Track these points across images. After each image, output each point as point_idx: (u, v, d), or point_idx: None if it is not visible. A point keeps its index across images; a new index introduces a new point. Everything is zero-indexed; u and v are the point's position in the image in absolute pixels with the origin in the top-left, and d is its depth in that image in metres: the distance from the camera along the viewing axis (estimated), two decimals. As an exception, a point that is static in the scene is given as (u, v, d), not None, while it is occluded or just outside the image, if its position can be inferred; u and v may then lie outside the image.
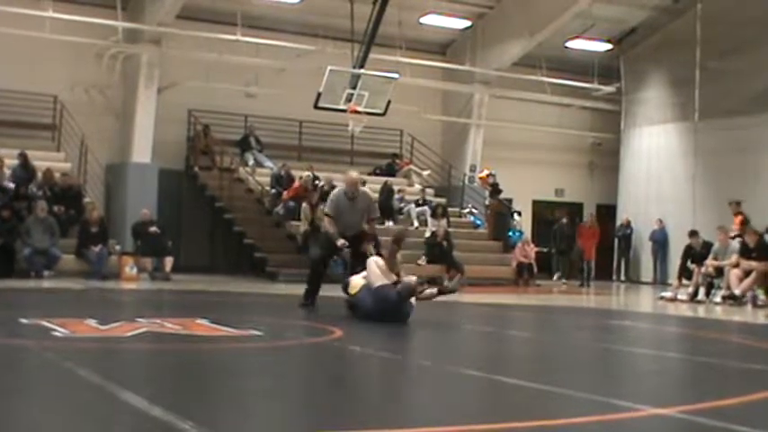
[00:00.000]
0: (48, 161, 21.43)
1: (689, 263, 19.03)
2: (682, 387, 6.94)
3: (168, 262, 20.21)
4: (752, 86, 24.28)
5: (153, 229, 20.64)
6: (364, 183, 23.51)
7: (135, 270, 19.81)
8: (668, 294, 18.91)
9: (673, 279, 21.08)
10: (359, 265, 12.29)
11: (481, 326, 10.70)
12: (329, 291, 13.96)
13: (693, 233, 19.42)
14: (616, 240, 28.16)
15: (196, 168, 24.22)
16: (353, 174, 12.98)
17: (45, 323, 8.92)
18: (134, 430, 4.52)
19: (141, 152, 22.72)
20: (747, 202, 23.45)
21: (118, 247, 20.41)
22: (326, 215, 12.60)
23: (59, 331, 8.42)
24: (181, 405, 5.01)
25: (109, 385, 5.62)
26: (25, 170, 20.57)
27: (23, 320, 9.41)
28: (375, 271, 10.94)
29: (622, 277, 27.87)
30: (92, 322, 9.26)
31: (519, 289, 22.20)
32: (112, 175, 23.15)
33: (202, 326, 9.48)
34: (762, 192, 23.90)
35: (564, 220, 25.66)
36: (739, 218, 19.78)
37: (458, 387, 6.45)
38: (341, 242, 12.28)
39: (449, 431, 4.68)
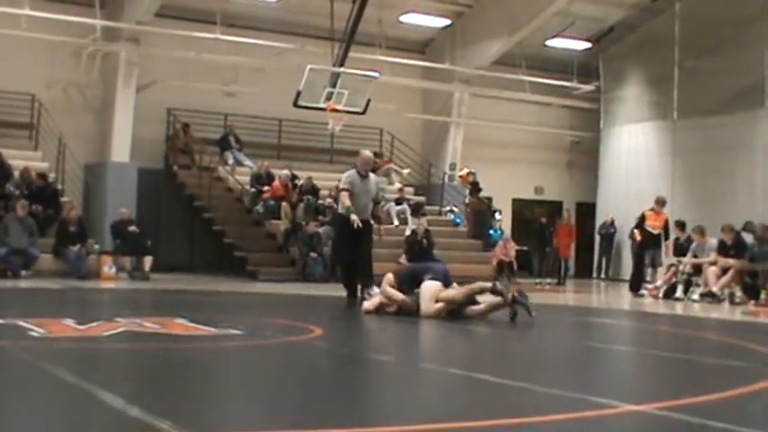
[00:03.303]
0: (25, 160, 21.33)
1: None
2: (659, 384, 6.95)
3: (147, 261, 20.13)
4: (730, 85, 24.39)
5: (132, 228, 20.56)
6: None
7: (114, 269, 19.74)
8: (651, 285, 19.15)
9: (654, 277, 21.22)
10: (359, 250, 13.17)
11: (460, 323, 10.70)
12: (311, 290, 13.99)
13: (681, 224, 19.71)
14: (597, 238, 28.23)
15: (175, 167, 24.18)
16: (368, 153, 14.07)
17: (22, 323, 8.86)
18: (111, 430, 4.50)
19: (120, 151, 22.64)
20: (724, 200, 23.67)
21: (97, 247, 20.33)
22: (344, 190, 13.34)
23: (36, 331, 8.36)
24: (159, 404, 5.00)
25: (86, 385, 5.59)
26: (0, 169, 20.46)
27: (0, 321, 9.36)
28: (425, 293, 11.22)
29: (603, 275, 27.93)
30: (69, 322, 9.21)
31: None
32: (91, 174, 23.06)
33: (181, 325, 9.45)
34: (739, 190, 24.06)
35: (543, 220, 25.74)
36: (663, 217, 19.89)
37: (436, 385, 6.46)
38: (353, 218, 12.92)
39: (425, 429, 4.68)
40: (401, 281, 11.56)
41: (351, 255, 13.75)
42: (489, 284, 11.52)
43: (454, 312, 11.10)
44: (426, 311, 11.06)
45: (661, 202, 19.94)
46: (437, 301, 11.13)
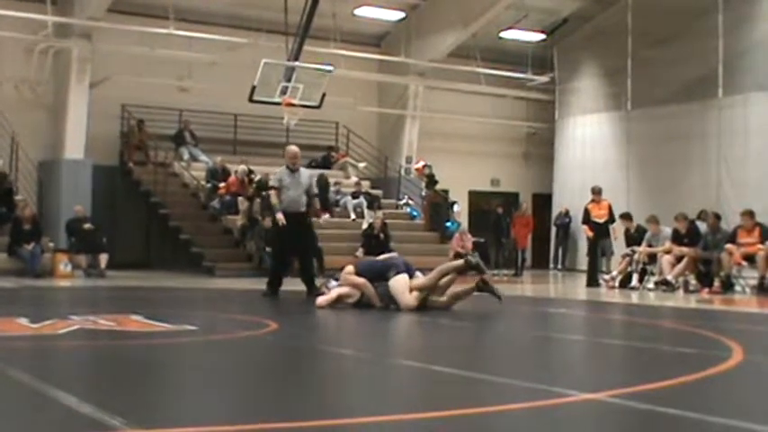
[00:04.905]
0: (-23, 159, 21.11)
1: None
2: (614, 372, 7.03)
3: (103, 259, 20.02)
4: (683, 75, 24.58)
5: (87, 225, 20.44)
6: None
7: (69, 267, 19.62)
8: (607, 277, 19.27)
9: (607, 266, 21.38)
10: (305, 242, 13.69)
11: (417, 316, 10.74)
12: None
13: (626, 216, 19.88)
14: (554, 229, 28.38)
15: (130, 164, 24.01)
16: (293, 147, 14.24)
17: (-25, 323, 8.79)
18: (62, 428, 4.46)
19: (74, 148, 22.43)
20: (679, 189, 23.90)
21: (51, 245, 20.16)
22: (271, 187, 13.92)
23: (-11, 331, 8.30)
24: (111, 402, 4.96)
25: (38, 384, 5.56)
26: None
27: (-47, 320, 9.26)
28: (399, 287, 11.32)
29: (559, 266, 28.07)
30: (23, 321, 9.15)
31: (456, 279, 22.18)
32: (45, 171, 22.82)
33: (136, 322, 9.42)
34: (692, 179, 24.26)
35: (499, 210, 25.85)
36: (605, 204, 19.98)
37: (393, 378, 6.47)
38: (279, 216, 13.49)
39: (382, 421, 4.69)
40: (362, 273, 11.60)
41: (286, 251, 14.22)
42: (461, 262, 11.70)
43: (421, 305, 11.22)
44: (407, 304, 11.16)
45: (598, 191, 20.02)
46: (411, 291, 11.22)
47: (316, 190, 14.45)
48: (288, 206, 13.60)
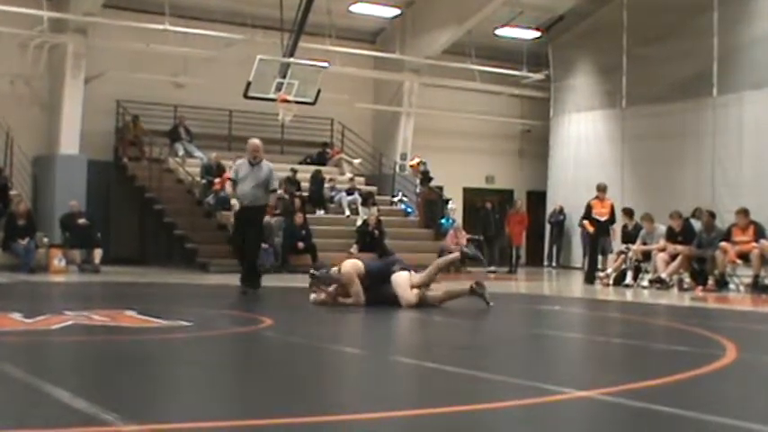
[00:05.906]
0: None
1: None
2: (607, 370, 7.02)
3: (97, 254, 20.01)
4: (678, 73, 24.58)
5: (82, 220, 20.43)
6: (295, 172, 23.83)
7: (64, 263, 19.61)
8: (602, 274, 19.26)
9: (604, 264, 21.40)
10: (250, 235, 13.49)
11: (412, 313, 10.74)
12: (262, 281, 13.94)
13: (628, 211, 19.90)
14: (548, 226, 28.39)
15: (125, 159, 23.99)
16: (255, 140, 13.99)
17: (-31, 318, 8.78)
18: (56, 423, 4.45)
19: (69, 143, 22.41)
20: (673, 187, 23.92)
21: (46, 240, 20.15)
22: (229, 179, 13.99)
23: (-17, 326, 8.28)
24: (105, 397, 4.96)
25: (32, 379, 5.54)
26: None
27: (-53, 315, 9.24)
28: (401, 283, 11.31)
29: (554, 263, 28.08)
30: (17, 316, 9.13)
31: (450, 276, 22.21)
32: (40, 167, 22.79)
33: (130, 317, 9.40)
34: (687, 177, 24.28)
35: (488, 205, 25.79)
36: (608, 203, 19.94)
37: (387, 374, 6.47)
38: (233, 202, 13.53)
39: (375, 418, 4.69)
40: (372, 276, 11.48)
41: (241, 241, 14.05)
42: (457, 254, 11.72)
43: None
44: (408, 300, 11.17)
45: (603, 189, 19.92)
46: (412, 288, 11.23)
47: (275, 185, 14.14)
48: (241, 199, 13.41)
